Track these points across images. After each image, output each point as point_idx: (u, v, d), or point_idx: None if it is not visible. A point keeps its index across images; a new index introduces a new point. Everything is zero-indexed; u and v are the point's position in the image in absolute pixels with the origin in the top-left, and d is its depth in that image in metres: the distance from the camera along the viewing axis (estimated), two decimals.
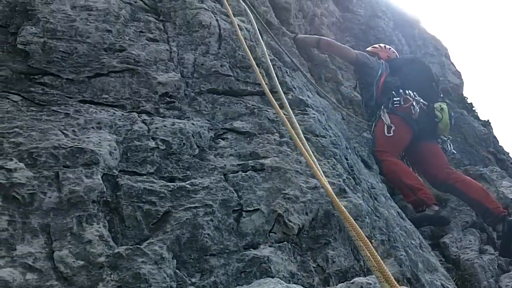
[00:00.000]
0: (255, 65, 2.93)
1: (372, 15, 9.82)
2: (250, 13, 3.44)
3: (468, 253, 4.27)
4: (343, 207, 2.00)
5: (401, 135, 4.97)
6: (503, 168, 8.89)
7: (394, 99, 5.10)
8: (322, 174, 2.29)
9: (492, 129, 10.64)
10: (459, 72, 11.80)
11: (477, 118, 10.39)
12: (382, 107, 5.13)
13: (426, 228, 4.76)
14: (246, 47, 3.05)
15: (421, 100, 5.11)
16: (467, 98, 11.16)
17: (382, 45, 6.35)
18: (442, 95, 5.80)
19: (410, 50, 10.48)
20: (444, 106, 5.22)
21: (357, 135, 5.10)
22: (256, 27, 3.30)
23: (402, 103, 5.05)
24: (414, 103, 5.01)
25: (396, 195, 5.34)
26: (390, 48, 6.27)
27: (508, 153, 9.82)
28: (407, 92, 5.12)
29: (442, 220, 4.53)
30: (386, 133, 4.88)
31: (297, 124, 2.74)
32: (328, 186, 2.18)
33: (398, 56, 6.29)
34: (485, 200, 4.71)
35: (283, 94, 2.89)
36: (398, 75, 5.43)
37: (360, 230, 1.88)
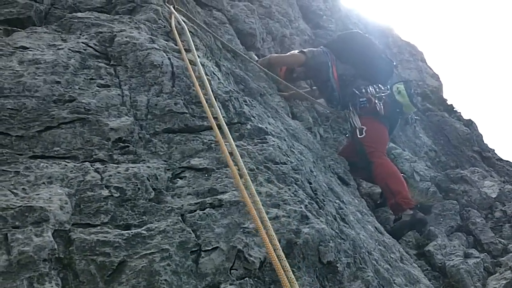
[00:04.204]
0: (204, 100, 2.92)
1: (343, 29, 9.95)
2: (194, 49, 3.44)
3: (453, 259, 4.26)
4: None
5: (378, 132, 5.14)
6: (489, 166, 8.92)
7: (360, 99, 5.18)
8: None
9: (476, 127, 10.70)
10: (437, 75, 11.93)
11: (459, 118, 10.45)
12: (351, 108, 5.22)
13: (410, 238, 4.74)
14: (197, 82, 3.05)
15: (382, 93, 5.21)
16: (447, 100, 11.24)
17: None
18: (394, 63, 5.98)
19: None
20: (401, 87, 5.29)
21: (333, 152, 5.09)
22: (199, 62, 3.29)
23: (367, 105, 5.15)
24: (376, 101, 5.13)
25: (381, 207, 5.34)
26: None
27: (494, 150, 9.85)
28: (369, 90, 5.20)
29: (419, 222, 4.54)
30: (358, 135, 5.01)
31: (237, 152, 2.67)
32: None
33: None
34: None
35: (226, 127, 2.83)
36: (345, 60, 5.43)
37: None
